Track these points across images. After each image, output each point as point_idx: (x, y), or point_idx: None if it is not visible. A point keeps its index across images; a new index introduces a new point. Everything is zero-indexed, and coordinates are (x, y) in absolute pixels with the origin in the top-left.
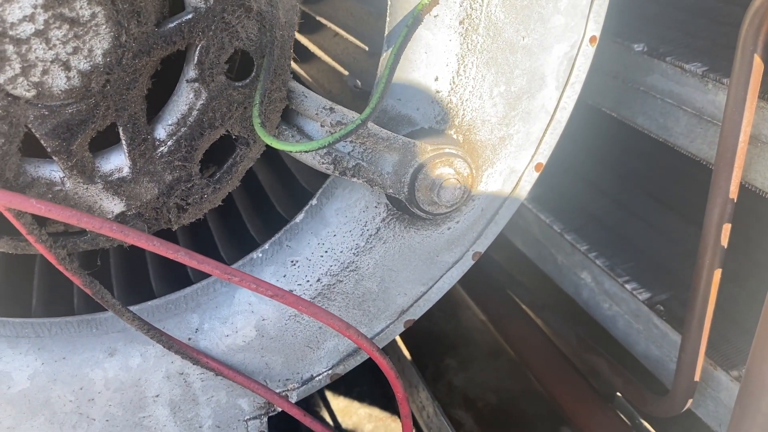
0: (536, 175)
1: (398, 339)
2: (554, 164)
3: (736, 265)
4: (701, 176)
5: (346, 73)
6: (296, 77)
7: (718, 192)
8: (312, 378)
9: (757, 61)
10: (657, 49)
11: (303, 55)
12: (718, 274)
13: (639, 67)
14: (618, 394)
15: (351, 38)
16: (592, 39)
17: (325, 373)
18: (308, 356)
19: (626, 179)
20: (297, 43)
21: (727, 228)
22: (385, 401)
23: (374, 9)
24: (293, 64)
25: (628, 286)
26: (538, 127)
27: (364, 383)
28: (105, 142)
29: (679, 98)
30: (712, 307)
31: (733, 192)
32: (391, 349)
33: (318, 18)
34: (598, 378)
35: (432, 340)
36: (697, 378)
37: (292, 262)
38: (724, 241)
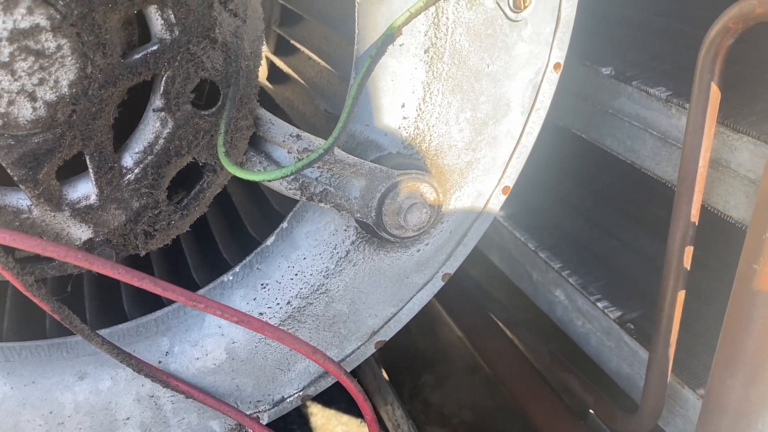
0: (503, 198)
1: (374, 356)
2: (529, 183)
3: (704, 283)
4: (672, 195)
5: (318, 97)
6: (271, 99)
7: (680, 215)
8: (283, 399)
9: (714, 89)
10: (624, 73)
11: (279, 77)
12: (682, 294)
13: (607, 90)
14: (590, 411)
15: (323, 63)
16: (557, 66)
17: (297, 395)
18: (279, 378)
19: (600, 197)
20: (273, 65)
21: (689, 250)
22: (362, 418)
23: (346, 35)
24: (269, 85)
25: (599, 304)
26: (505, 152)
27: (342, 401)
28: (73, 169)
29: (645, 121)
30: (677, 326)
31: (695, 215)
32: (367, 367)
33: (292, 41)
34: (571, 395)
35: (409, 357)
36: (663, 396)
37: (262, 285)
38: (687, 263)
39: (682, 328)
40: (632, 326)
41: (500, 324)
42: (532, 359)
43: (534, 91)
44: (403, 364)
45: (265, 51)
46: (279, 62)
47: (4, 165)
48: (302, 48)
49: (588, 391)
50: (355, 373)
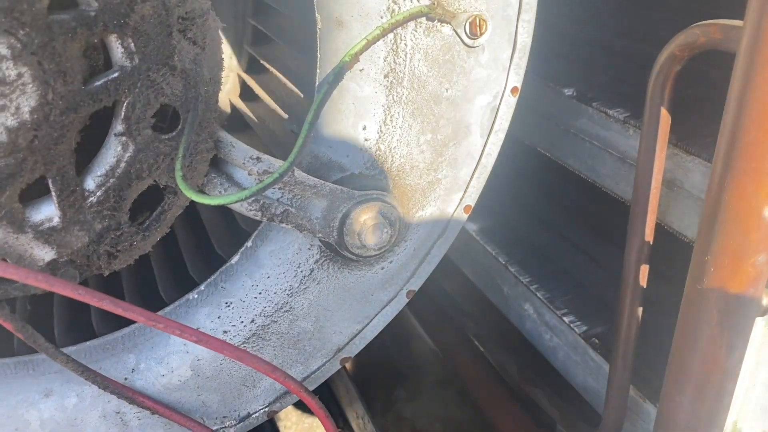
0: (465, 216)
1: (347, 370)
2: (500, 198)
3: (666, 296)
4: None
5: (286, 116)
6: (242, 117)
7: (635, 233)
8: (249, 415)
9: (664, 112)
10: (586, 94)
11: (250, 95)
12: (639, 310)
13: (569, 111)
14: (557, 425)
15: (289, 84)
16: (514, 90)
17: (262, 411)
18: (245, 394)
19: (568, 213)
20: (245, 83)
21: (644, 268)
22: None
23: (311, 58)
24: (241, 103)
25: (566, 319)
26: (465, 172)
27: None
28: (37, 192)
29: (605, 142)
30: (635, 341)
31: (648, 234)
32: (339, 381)
33: (262, 61)
34: (539, 409)
35: (383, 370)
36: (625, 410)
37: (226, 303)
38: (643, 280)
39: (644, 343)
40: (597, 341)
41: (472, 338)
42: (502, 373)
43: (493, 114)
44: (377, 378)
45: (237, 69)
46: (250, 81)
47: None
48: (272, 68)
49: (554, 405)
50: (327, 387)
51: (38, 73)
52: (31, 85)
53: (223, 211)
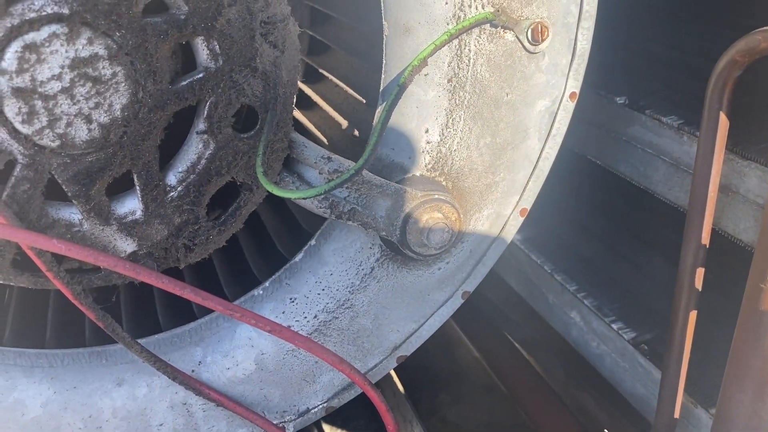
0: (521, 219)
1: (393, 374)
2: (546, 207)
3: (716, 304)
4: (684, 219)
5: (345, 122)
6: (299, 124)
7: (691, 238)
8: (308, 410)
9: (723, 117)
10: (638, 102)
11: (306, 103)
12: (693, 314)
13: (621, 119)
14: (605, 430)
15: (350, 90)
16: (572, 95)
17: (321, 406)
18: (305, 389)
19: (614, 222)
20: (301, 92)
21: (700, 271)
22: None
23: (372, 65)
24: (297, 112)
25: (614, 326)
26: (523, 175)
27: (361, 417)
28: (120, 186)
29: (658, 148)
30: (689, 346)
31: (705, 238)
32: (386, 384)
33: (321, 70)
34: (587, 415)
35: (427, 375)
36: (676, 415)
37: (290, 299)
38: (699, 284)
39: (695, 349)
40: (646, 347)
41: (516, 345)
42: (548, 379)
43: (551, 119)
44: (421, 383)
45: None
46: (306, 89)
47: (60, 181)
48: (329, 76)
49: (603, 411)
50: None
51: (131, 73)
52: (123, 84)
53: (284, 211)
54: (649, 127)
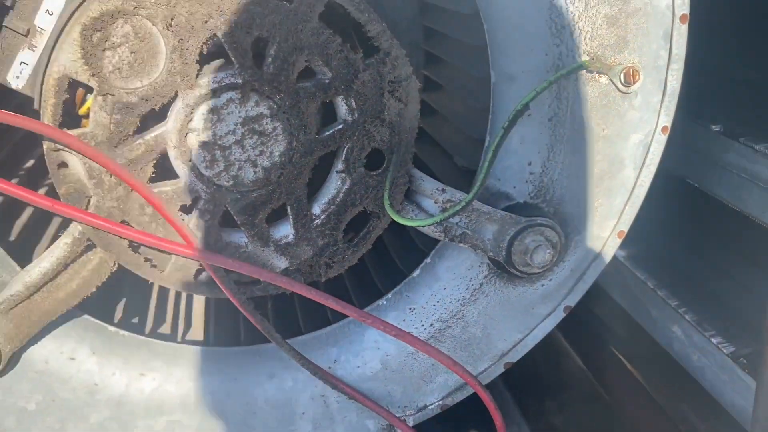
0: (619, 240)
1: (501, 381)
2: (649, 226)
3: None
4: None
5: (454, 155)
6: (416, 156)
7: None
8: (426, 407)
9: None
10: (732, 130)
11: (422, 136)
12: None
13: (717, 146)
14: None
15: (459, 126)
16: (664, 129)
17: (437, 403)
18: (423, 388)
19: (715, 239)
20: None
21: None
22: None
23: (480, 105)
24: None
25: (714, 340)
26: (619, 201)
27: (471, 420)
28: (277, 216)
29: (752, 174)
30: None
31: None
32: (495, 389)
33: (433, 106)
34: (687, 424)
35: (534, 383)
36: None
37: (410, 309)
38: None
39: None
40: (745, 361)
41: (620, 357)
42: (650, 390)
43: (644, 150)
44: (529, 390)
45: None
46: (422, 122)
47: (231, 212)
48: (440, 112)
49: (703, 421)
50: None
51: (287, 127)
52: (281, 136)
53: (403, 233)
54: (743, 154)
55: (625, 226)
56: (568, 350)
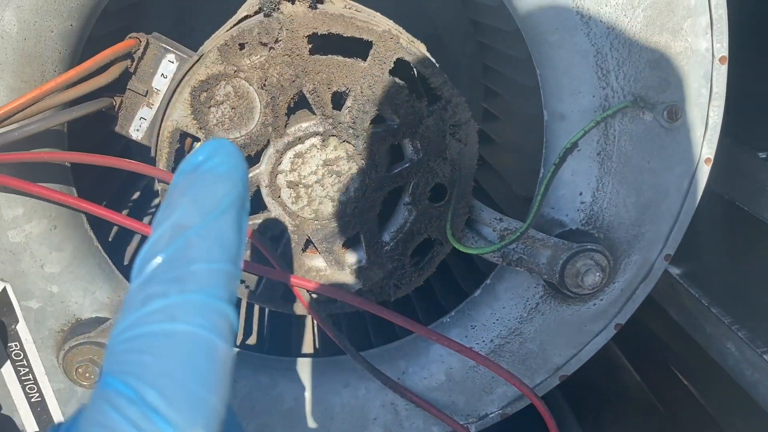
0: (666, 263)
1: (560, 392)
2: (703, 246)
3: None
4: None
5: (511, 184)
6: (477, 183)
7: None
8: (487, 415)
9: None
10: None
11: (482, 165)
12: None
13: (764, 171)
14: None
15: (517, 157)
16: (707, 160)
17: (497, 412)
18: (484, 398)
19: (767, 259)
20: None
21: None
22: None
23: (535, 138)
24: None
25: (766, 357)
26: (665, 227)
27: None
28: (351, 243)
29: None
30: None
31: None
32: (553, 400)
33: (492, 137)
34: None
35: (591, 394)
36: None
37: (471, 326)
38: None
39: None
40: None
41: (675, 370)
42: (704, 403)
43: (689, 181)
44: (586, 402)
45: None
46: (481, 151)
47: (313, 241)
48: (499, 142)
49: None
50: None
51: (361, 167)
52: (356, 174)
53: (466, 256)
54: None
55: (671, 249)
56: (625, 364)
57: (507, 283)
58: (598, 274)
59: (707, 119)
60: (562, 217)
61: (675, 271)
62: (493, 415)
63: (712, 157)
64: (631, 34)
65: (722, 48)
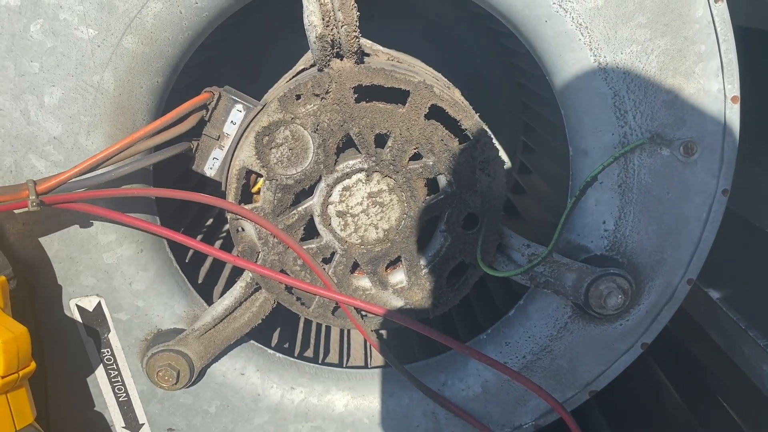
0: (688, 287)
1: (600, 411)
2: (740, 269)
3: None
4: None
5: (542, 208)
6: (514, 206)
7: None
8: (521, 426)
9: None
10: None
11: (520, 190)
12: None
13: None
14: None
15: (549, 186)
16: (724, 191)
17: (531, 424)
18: (518, 410)
19: None
20: (517, 182)
21: None
22: None
23: (565, 171)
24: (512, 196)
25: None
26: (687, 253)
27: None
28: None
29: None
30: None
31: None
32: (594, 419)
33: (530, 167)
34: None
35: (631, 414)
36: None
37: (506, 342)
38: None
39: None
40: None
41: (715, 392)
42: (743, 424)
43: (707, 209)
44: (625, 421)
45: (511, 169)
46: (520, 180)
47: (360, 263)
48: (534, 172)
49: None
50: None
51: (401, 198)
52: (396, 205)
53: (501, 279)
54: None
55: (693, 274)
56: (667, 385)
57: (538, 303)
58: (620, 296)
59: (722, 153)
60: (587, 243)
61: (715, 294)
62: (526, 425)
63: (729, 188)
64: (646, 78)
65: (734, 89)
